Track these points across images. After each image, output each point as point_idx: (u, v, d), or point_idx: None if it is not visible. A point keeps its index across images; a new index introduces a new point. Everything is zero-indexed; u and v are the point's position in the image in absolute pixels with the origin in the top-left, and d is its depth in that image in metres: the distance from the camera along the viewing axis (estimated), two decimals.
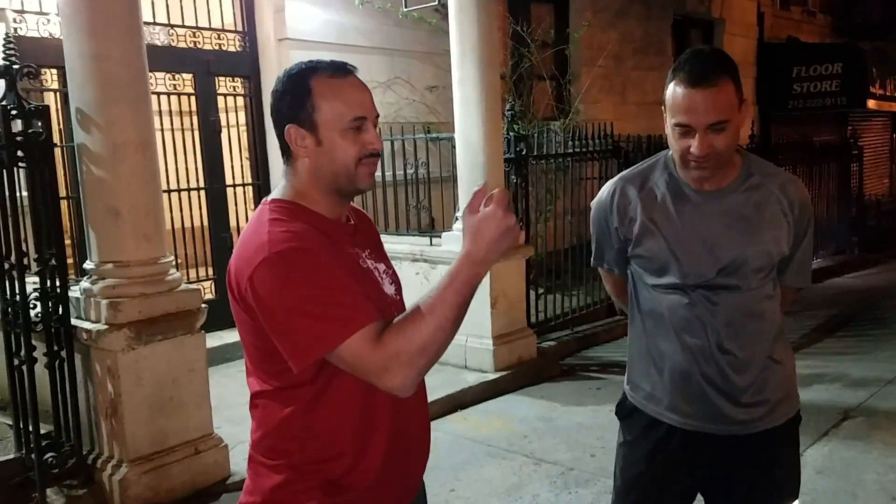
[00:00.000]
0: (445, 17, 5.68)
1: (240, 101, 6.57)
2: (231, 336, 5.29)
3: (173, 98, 6.03)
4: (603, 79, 9.21)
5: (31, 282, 3.54)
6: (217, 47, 6.28)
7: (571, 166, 6.67)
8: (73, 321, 3.60)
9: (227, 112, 6.44)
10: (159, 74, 5.74)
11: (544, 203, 6.88)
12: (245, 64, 6.46)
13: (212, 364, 4.16)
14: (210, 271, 6.25)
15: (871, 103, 13.79)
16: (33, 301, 3.50)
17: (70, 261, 4.24)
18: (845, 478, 3.81)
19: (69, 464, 3.58)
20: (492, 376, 5.32)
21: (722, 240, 1.89)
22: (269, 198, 1.55)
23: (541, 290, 6.31)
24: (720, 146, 1.80)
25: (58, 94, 5.16)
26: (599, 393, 5.21)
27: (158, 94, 5.58)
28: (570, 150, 6.59)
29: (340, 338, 1.36)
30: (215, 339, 5.09)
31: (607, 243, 2.08)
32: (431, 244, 5.76)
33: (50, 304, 3.52)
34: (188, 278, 5.30)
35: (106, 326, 3.50)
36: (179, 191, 5.94)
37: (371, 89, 1.55)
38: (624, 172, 2.08)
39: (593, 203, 2.10)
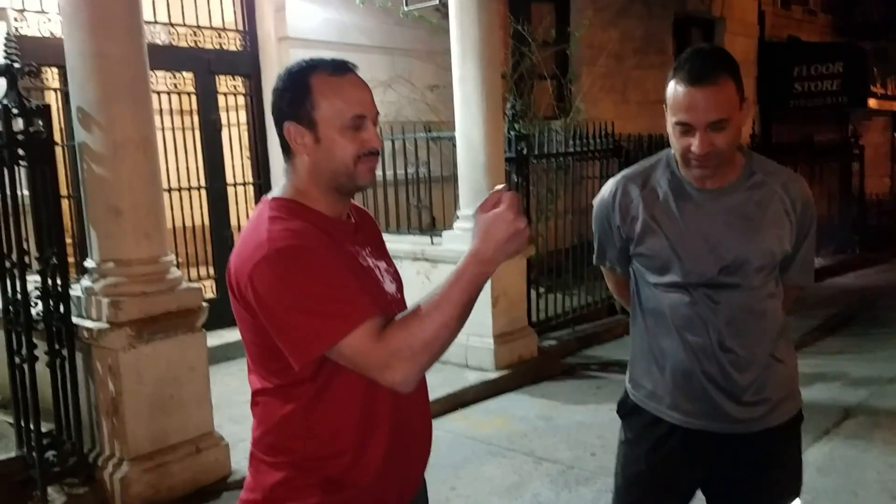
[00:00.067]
0: (446, 15, 5.68)
1: (240, 99, 6.57)
2: (232, 335, 5.29)
3: (174, 97, 6.04)
4: (604, 78, 9.20)
5: (33, 280, 3.54)
6: (218, 46, 6.29)
7: (572, 165, 6.68)
8: (75, 320, 3.60)
9: (227, 111, 6.45)
10: (160, 73, 5.75)
11: (545, 202, 6.88)
12: (245, 63, 6.47)
13: (213, 363, 4.16)
14: (211, 270, 6.26)
15: (872, 102, 13.78)
16: (34, 299, 3.50)
17: (71, 259, 4.23)
18: (846, 476, 3.81)
19: (70, 462, 3.58)
20: (492, 375, 5.33)
21: (724, 238, 1.89)
22: (269, 196, 1.55)
23: (542, 290, 6.32)
24: (721, 145, 1.80)
25: (59, 92, 5.17)
26: (600, 392, 5.21)
27: (159, 92, 5.59)
28: (571, 150, 6.60)
29: (340, 334, 1.36)
30: (216, 338, 5.09)
31: (609, 242, 2.08)
32: (432, 243, 5.76)
33: (51, 303, 3.52)
34: (189, 277, 5.30)
35: (107, 325, 3.50)
36: (180, 190, 5.94)
37: (372, 88, 1.54)
38: (626, 171, 2.07)
39: (595, 201, 2.10)
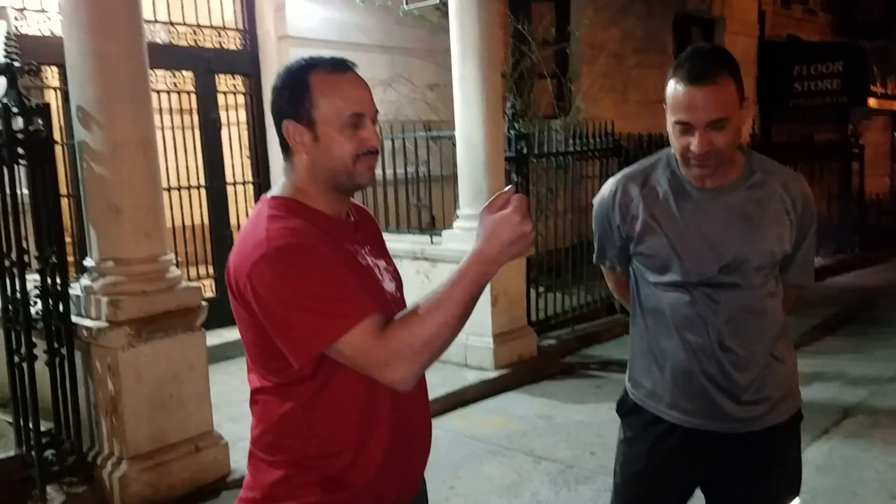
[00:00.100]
0: (446, 14, 5.67)
1: (240, 98, 6.57)
2: (231, 334, 5.29)
3: (174, 96, 6.03)
4: (604, 77, 9.20)
5: (32, 279, 3.54)
6: (217, 45, 6.29)
7: (572, 165, 6.67)
8: (74, 319, 3.60)
9: (227, 110, 6.44)
10: (160, 72, 5.74)
11: (545, 201, 6.88)
12: (245, 62, 6.46)
13: (212, 362, 4.16)
14: (210, 269, 6.25)
15: (872, 102, 13.79)
16: (34, 298, 3.50)
17: (70, 258, 4.23)
18: (845, 476, 3.81)
19: (69, 461, 3.58)
20: (492, 374, 5.33)
21: (724, 237, 1.89)
22: (269, 195, 1.55)
23: (541, 289, 6.31)
24: (720, 144, 1.80)
25: (58, 91, 5.17)
26: (599, 391, 5.21)
27: (159, 91, 5.59)
28: (571, 149, 6.60)
29: (340, 331, 1.36)
30: (216, 337, 5.09)
31: (609, 241, 2.08)
32: (432, 242, 5.76)
33: (50, 302, 3.52)
34: (188, 276, 5.30)
35: (106, 324, 3.50)
36: (180, 189, 5.94)
37: (371, 87, 1.54)
38: (626, 170, 2.07)
39: (595, 201, 2.10)
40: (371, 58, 6.56)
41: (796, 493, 2.03)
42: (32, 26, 5.20)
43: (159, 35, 5.85)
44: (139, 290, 3.57)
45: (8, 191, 3.47)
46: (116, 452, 3.60)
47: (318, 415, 1.47)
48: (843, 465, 3.93)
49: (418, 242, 5.81)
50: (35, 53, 4.25)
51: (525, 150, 5.93)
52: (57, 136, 3.84)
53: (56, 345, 3.55)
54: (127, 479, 3.51)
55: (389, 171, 5.91)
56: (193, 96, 6.17)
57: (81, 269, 3.92)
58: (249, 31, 6.51)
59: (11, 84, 3.43)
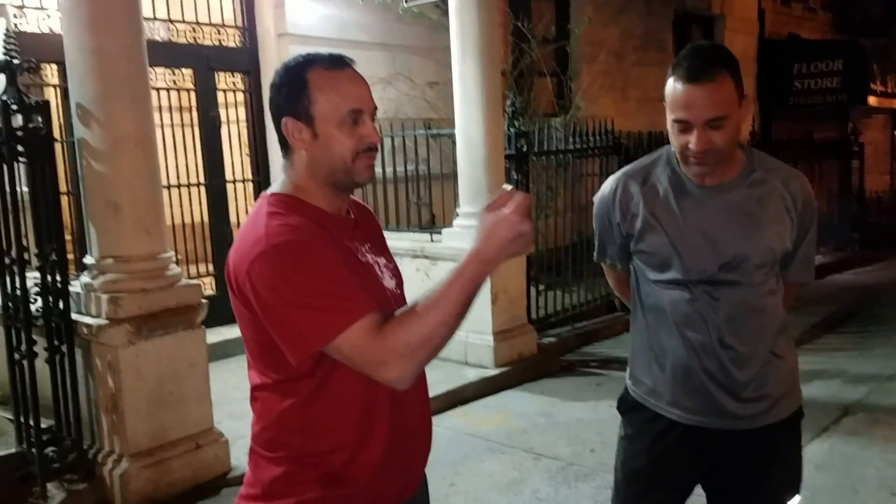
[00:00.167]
0: (446, 12, 5.67)
1: (240, 96, 6.56)
2: (231, 332, 5.29)
3: (173, 93, 6.02)
4: (603, 75, 9.20)
5: (32, 277, 3.54)
6: (217, 42, 6.28)
7: (572, 163, 6.67)
8: (74, 316, 3.60)
9: (226, 107, 6.44)
10: (159, 70, 5.74)
11: (545, 200, 6.88)
12: (245, 59, 6.46)
13: (212, 360, 4.16)
14: (210, 267, 6.25)
15: (872, 100, 13.79)
16: (34, 296, 3.50)
17: (70, 256, 4.23)
18: (845, 473, 3.81)
19: (70, 458, 3.58)
20: (492, 372, 5.33)
21: (724, 235, 1.89)
22: (268, 192, 1.55)
23: (541, 287, 6.32)
24: (719, 142, 1.80)
25: (58, 89, 5.16)
26: (599, 389, 5.21)
27: (158, 89, 5.58)
28: (571, 147, 6.60)
29: (338, 329, 1.36)
30: (216, 335, 5.09)
31: (610, 239, 2.08)
32: (432, 240, 5.76)
33: (50, 299, 3.52)
34: (188, 274, 5.30)
35: (106, 321, 3.51)
36: (179, 186, 5.93)
37: (371, 85, 1.54)
38: (626, 168, 2.07)
39: (596, 198, 2.09)
40: (371, 55, 6.56)
41: (797, 490, 2.03)
42: (32, 24, 5.20)
43: (159, 32, 5.85)
44: (139, 287, 3.57)
45: (8, 188, 3.47)
46: (117, 450, 3.60)
47: (318, 411, 1.47)
48: (843, 463, 3.93)
49: (418, 240, 5.81)
50: (34, 51, 4.24)
51: (525, 148, 5.92)
52: (57, 133, 3.84)
53: (56, 342, 3.55)
54: (127, 476, 3.52)
55: (389, 170, 5.91)
56: (193, 94, 6.16)
57: (81, 267, 3.92)
58: (249, 28, 6.50)
59: (11, 81, 3.42)
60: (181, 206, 5.96)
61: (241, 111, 6.61)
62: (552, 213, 6.70)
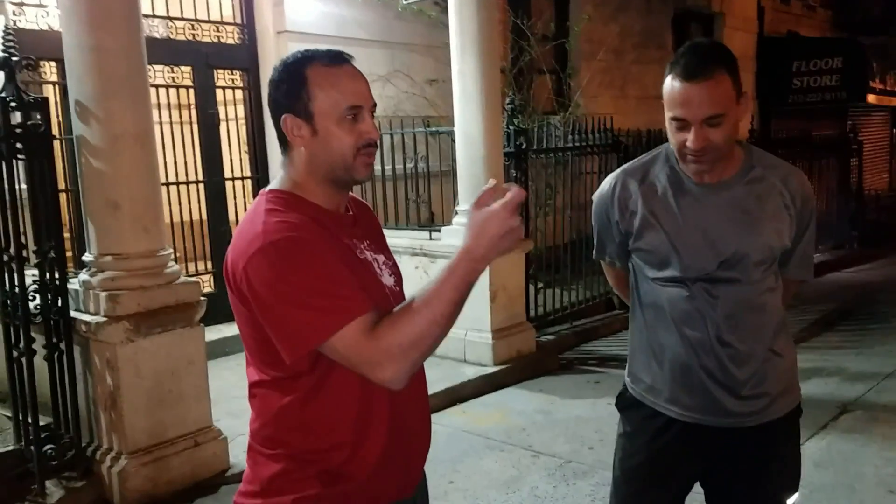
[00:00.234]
0: (445, 9, 5.67)
1: (238, 94, 6.55)
2: (230, 329, 5.29)
3: (172, 91, 6.02)
4: (603, 73, 9.20)
5: (31, 274, 3.54)
6: (216, 40, 6.27)
7: (571, 160, 6.67)
8: (73, 313, 3.60)
9: (225, 105, 6.43)
10: (158, 67, 5.73)
11: (544, 197, 6.88)
12: (244, 57, 6.45)
13: (211, 357, 4.16)
14: (209, 265, 6.25)
15: (871, 98, 13.80)
16: (32, 293, 3.50)
17: (69, 253, 4.23)
18: (844, 471, 3.82)
19: (68, 456, 3.58)
20: (491, 370, 5.33)
21: (723, 233, 1.88)
22: (267, 188, 1.55)
23: (540, 285, 6.32)
24: (716, 140, 1.79)
25: (57, 86, 5.15)
26: (598, 386, 5.22)
27: (157, 86, 5.58)
28: (570, 145, 6.60)
29: (333, 328, 1.36)
30: (214, 333, 5.09)
31: (608, 236, 2.08)
32: (431, 238, 5.76)
33: (49, 297, 3.52)
34: (187, 272, 5.30)
35: (105, 319, 3.50)
36: (178, 184, 5.92)
37: (370, 82, 1.54)
38: (625, 165, 2.07)
39: (594, 196, 2.09)
40: (370, 53, 6.55)
41: (795, 488, 2.03)
42: (31, 20, 5.19)
43: (157, 30, 5.84)
44: (138, 284, 3.57)
45: (6, 186, 3.46)
46: (115, 447, 3.60)
47: (317, 409, 1.47)
48: (842, 461, 3.93)
49: (417, 238, 5.80)
50: (33, 48, 4.22)
51: (524, 146, 5.92)
52: (55, 130, 3.84)
53: (55, 339, 3.55)
54: (126, 473, 3.52)
55: (388, 167, 5.91)
56: (192, 91, 6.16)
57: (80, 264, 3.92)
58: (248, 25, 6.49)
59: (10, 79, 3.42)
60: (180, 203, 5.95)
61: (240, 108, 6.60)
62: (551, 210, 6.70)
